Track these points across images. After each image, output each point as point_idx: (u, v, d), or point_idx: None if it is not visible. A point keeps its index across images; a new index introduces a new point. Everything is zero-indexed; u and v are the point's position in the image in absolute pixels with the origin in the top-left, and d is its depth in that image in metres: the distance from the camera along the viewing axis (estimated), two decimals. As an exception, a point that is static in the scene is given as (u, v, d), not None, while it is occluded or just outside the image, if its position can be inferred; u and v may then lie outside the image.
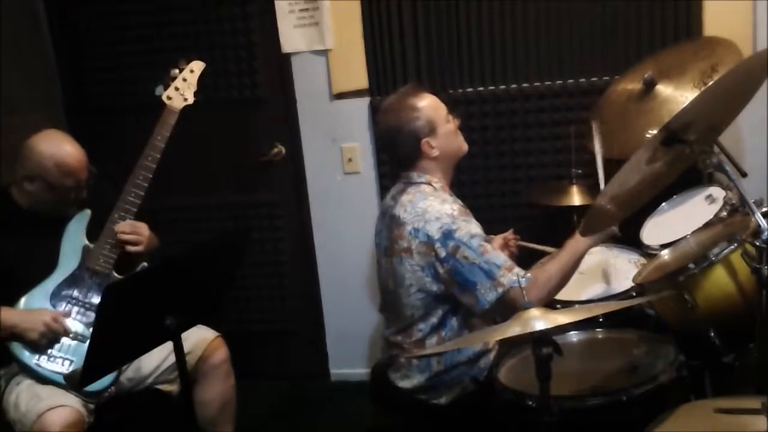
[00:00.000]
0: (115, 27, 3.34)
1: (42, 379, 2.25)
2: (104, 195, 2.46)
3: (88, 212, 2.47)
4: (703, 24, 2.84)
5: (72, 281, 2.37)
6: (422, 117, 2.22)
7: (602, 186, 2.50)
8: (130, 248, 2.41)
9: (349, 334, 3.48)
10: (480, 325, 2.24)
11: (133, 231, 2.42)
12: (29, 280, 2.34)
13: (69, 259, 2.39)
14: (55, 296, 2.34)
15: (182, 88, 2.54)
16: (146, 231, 2.46)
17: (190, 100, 2.54)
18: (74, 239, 2.42)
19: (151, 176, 2.42)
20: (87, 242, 2.43)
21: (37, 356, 2.26)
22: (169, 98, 2.52)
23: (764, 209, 1.92)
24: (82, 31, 3.39)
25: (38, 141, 2.35)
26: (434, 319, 2.22)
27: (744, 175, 2.58)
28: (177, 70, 2.57)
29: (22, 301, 2.31)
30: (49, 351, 2.28)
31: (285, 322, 3.55)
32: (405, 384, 2.26)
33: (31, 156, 2.33)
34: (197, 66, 2.60)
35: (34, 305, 2.31)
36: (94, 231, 2.44)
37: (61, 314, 2.29)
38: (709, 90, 1.92)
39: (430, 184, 2.26)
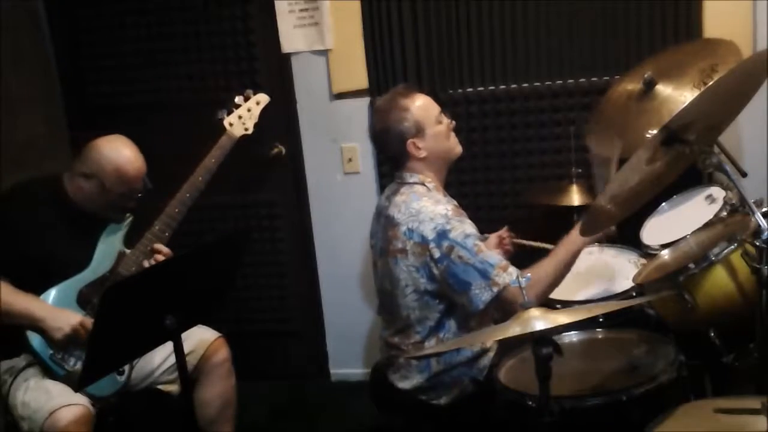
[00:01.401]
0: (115, 27, 3.34)
1: (51, 373, 2.25)
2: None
3: (130, 218, 2.50)
4: (703, 24, 2.84)
5: (102, 284, 2.36)
6: (410, 118, 2.22)
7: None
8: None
9: (349, 334, 3.48)
10: (478, 326, 2.24)
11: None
12: (60, 272, 2.33)
13: (103, 261, 2.40)
14: (83, 295, 2.33)
15: (245, 118, 2.62)
16: None
17: (250, 130, 2.63)
18: (112, 243, 2.44)
19: (197, 195, 2.47)
20: (124, 248, 2.44)
21: (54, 350, 2.25)
22: (230, 125, 2.59)
23: (764, 209, 1.91)
24: (82, 31, 3.39)
25: (104, 143, 2.37)
26: (431, 322, 2.22)
27: (744, 175, 2.58)
28: (242, 98, 2.64)
29: (49, 293, 2.29)
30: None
31: (285, 322, 3.55)
32: (404, 384, 2.27)
33: (93, 155, 2.35)
34: (263, 99, 2.68)
35: (60, 299, 2.30)
36: (132, 238, 2.45)
37: (91, 321, 2.25)
38: (709, 90, 1.91)
39: (423, 184, 2.26)
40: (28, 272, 2.27)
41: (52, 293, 2.30)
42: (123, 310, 1.81)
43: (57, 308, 2.27)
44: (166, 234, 2.43)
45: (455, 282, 2.13)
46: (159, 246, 2.41)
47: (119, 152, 2.36)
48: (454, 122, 2.34)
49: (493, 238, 2.54)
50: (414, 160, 2.26)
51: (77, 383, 2.07)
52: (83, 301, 2.33)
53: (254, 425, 3.07)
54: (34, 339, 2.24)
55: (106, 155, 2.34)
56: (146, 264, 2.39)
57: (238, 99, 2.63)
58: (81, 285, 2.35)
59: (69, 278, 2.34)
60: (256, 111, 2.65)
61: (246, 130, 2.62)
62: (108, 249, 2.42)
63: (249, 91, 2.66)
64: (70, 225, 2.38)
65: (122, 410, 2.39)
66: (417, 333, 2.24)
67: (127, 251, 2.43)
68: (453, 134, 2.33)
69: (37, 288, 2.29)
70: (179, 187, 2.47)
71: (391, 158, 2.32)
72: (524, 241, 2.59)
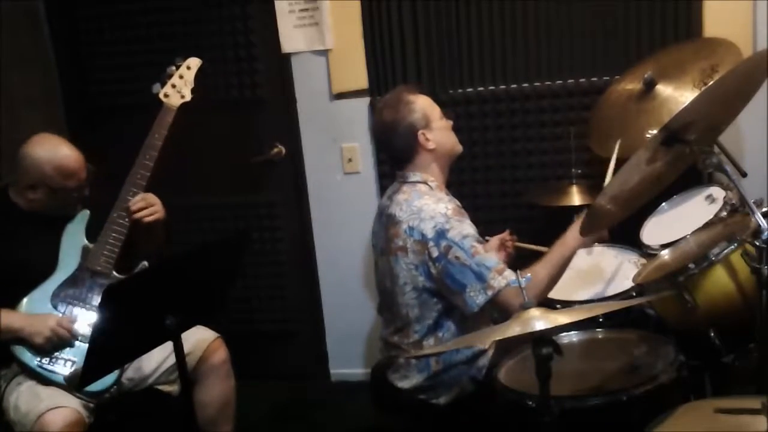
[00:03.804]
0: (115, 27, 3.35)
1: (44, 380, 2.25)
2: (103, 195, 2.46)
3: (87, 212, 2.47)
4: (703, 24, 2.83)
5: (73, 282, 2.36)
6: (418, 110, 2.26)
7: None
8: (149, 218, 2.41)
9: (349, 334, 3.48)
10: (477, 325, 2.24)
11: (147, 203, 2.42)
12: (29, 281, 2.33)
13: (69, 260, 2.39)
14: (56, 297, 2.33)
15: (179, 86, 2.53)
16: (156, 200, 2.45)
17: (188, 97, 2.53)
18: (74, 239, 2.42)
19: (149, 175, 2.42)
20: (87, 242, 2.42)
21: (39, 357, 2.25)
22: (166, 96, 2.51)
23: (764, 209, 1.92)
24: (82, 31, 3.39)
25: (33, 148, 2.33)
26: (429, 321, 2.23)
27: (744, 175, 2.58)
28: (174, 68, 2.56)
29: (24, 302, 2.30)
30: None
31: (285, 323, 3.55)
32: (404, 384, 2.27)
33: (29, 164, 2.31)
34: (194, 63, 2.59)
35: (36, 307, 2.30)
36: (93, 231, 2.43)
37: (67, 319, 2.27)
38: (709, 90, 1.92)
39: (425, 183, 2.27)
40: None
41: (26, 302, 2.30)
42: (123, 310, 1.81)
43: (31, 315, 2.27)
44: (126, 219, 2.40)
45: (451, 282, 2.13)
46: (131, 202, 2.39)
47: (53, 151, 2.32)
48: (452, 122, 2.36)
49: (494, 240, 2.54)
50: (422, 153, 2.27)
51: (78, 382, 2.07)
52: (57, 301, 2.32)
53: (254, 425, 3.07)
54: (21, 352, 2.24)
55: (43, 159, 2.30)
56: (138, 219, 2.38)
57: (169, 69, 2.56)
58: (53, 287, 2.34)
59: (39, 284, 2.33)
60: (190, 76, 2.56)
61: (183, 97, 2.52)
62: (71, 247, 2.40)
63: (178, 59, 2.59)
64: (30, 232, 2.36)
65: (122, 410, 2.39)
66: (416, 332, 2.24)
67: (91, 245, 2.41)
68: (453, 133, 2.35)
69: (10, 300, 2.28)
70: (128, 172, 2.43)
71: (397, 153, 2.31)
72: (525, 245, 2.59)
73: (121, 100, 3.41)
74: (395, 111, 2.27)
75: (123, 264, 2.42)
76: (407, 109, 2.26)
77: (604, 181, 2.36)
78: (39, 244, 2.37)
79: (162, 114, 2.48)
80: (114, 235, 2.39)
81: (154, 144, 2.43)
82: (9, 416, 2.25)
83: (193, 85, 2.55)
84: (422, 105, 2.28)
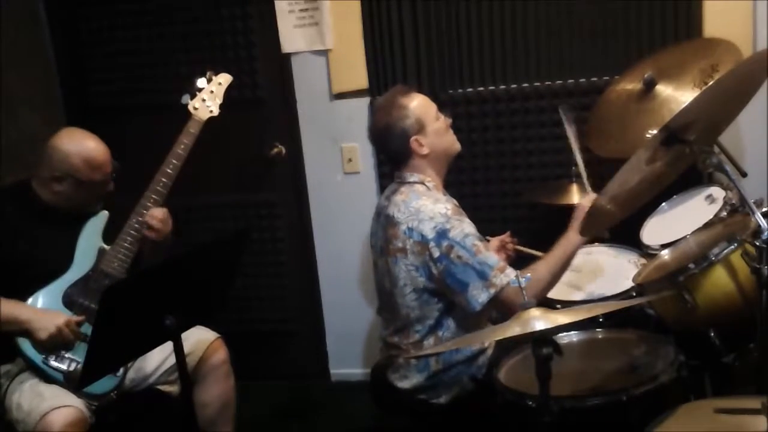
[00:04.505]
0: (115, 27, 3.35)
1: (47, 377, 2.25)
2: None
3: (106, 214, 2.48)
4: (703, 24, 2.83)
5: (85, 282, 2.36)
6: (411, 115, 2.24)
7: (583, 173, 2.59)
8: (151, 234, 2.42)
9: (349, 334, 3.48)
10: (477, 324, 2.24)
11: (164, 221, 2.43)
12: (42, 276, 2.33)
13: (84, 260, 2.39)
14: (68, 296, 2.33)
15: (209, 100, 2.56)
16: (169, 223, 2.48)
17: (216, 112, 2.57)
18: (91, 240, 2.42)
19: (171, 183, 2.44)
20: (103, 244, 2.43)
21: (44, 354, 2.25)
22: (195, 108, 2.54)
23: (764, 209, 1.92)
24: (82, 31, 3.39)
25: (61, 140, 2.35)
26: (430, 321, 2.23)
27: (744, 175, 2.58)
28: (205, 81, 2.59)
29: (34, 297, 2.29)
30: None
31: (285, 322, 3.55)
32: (404, 384, 2.27)
33: (57, 156, 2.32)
34: (225, 79, 2.63)
35: (46, 303, 2.30)
36: (110, 233, 2.44)
37: (76, 321, 2.26)
38: (709, 90, 1.92)
39: (423, 183, 2.27)
40: (10, 279, 2.26)
41: (38, 297, 2.30)
42: (123, 310, 1.81)
43: (42, 310, 2.27)
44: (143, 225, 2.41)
45: (453, 282, 2.13)
46: (149, 214, 2.40)
47: (81, 144, 2.34)
48: (450, 120, 2.35)
49: (494, 241, 2.54)
50: (416, 158, 2.26)
51: (78, 383, 2.07)
52: (69, 302, 2.32)
53: (254, 425, 3.07)
54: (26, 345, 2.24)
55: (71, 151, 2.32)
56: (147, 233, 2.40)
57: (200, 82, 2.59)
58: (65, 286, 2.34)
59: (53, 280, 2.33)
60: (220, 92, 2.59)
61: (211, 112, 2.56)
62: (88, 247, 2.41)
63: (210, 73, 2.62)
64: (48, 227, 2.37)
65: (122, 410, 2.38)
66: (416, 332, 2.24)
67: (107, 248, 2.42)
68: (451, 131, 2.34)
69: (22, 294, 2.28)
70: (151, 179, 2.45)
71: (393, 156, 2.32)
72: (525, 249, 2.59)
73: (121, 101, 3.41)
74: (388, 115, 2.26)
75: (133, 269, 2.42)
76: (400, 114, 2.24)
77: (604, 181, 2.36)
78: (56, 240, 2.37)
79: (189, 125, 2.51)
80: (130, 240, 2.40)
81: (178, 154, 2.46)
82: (11, 415, 2.24)
83: (222, 101, 2.59)
84: (416, 109, 2.25)
